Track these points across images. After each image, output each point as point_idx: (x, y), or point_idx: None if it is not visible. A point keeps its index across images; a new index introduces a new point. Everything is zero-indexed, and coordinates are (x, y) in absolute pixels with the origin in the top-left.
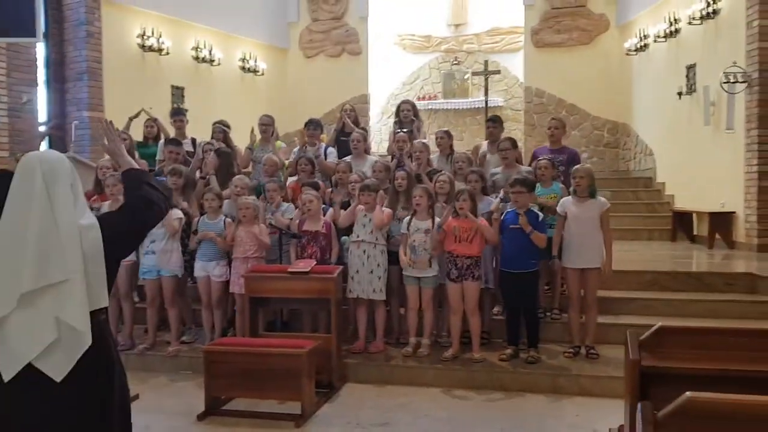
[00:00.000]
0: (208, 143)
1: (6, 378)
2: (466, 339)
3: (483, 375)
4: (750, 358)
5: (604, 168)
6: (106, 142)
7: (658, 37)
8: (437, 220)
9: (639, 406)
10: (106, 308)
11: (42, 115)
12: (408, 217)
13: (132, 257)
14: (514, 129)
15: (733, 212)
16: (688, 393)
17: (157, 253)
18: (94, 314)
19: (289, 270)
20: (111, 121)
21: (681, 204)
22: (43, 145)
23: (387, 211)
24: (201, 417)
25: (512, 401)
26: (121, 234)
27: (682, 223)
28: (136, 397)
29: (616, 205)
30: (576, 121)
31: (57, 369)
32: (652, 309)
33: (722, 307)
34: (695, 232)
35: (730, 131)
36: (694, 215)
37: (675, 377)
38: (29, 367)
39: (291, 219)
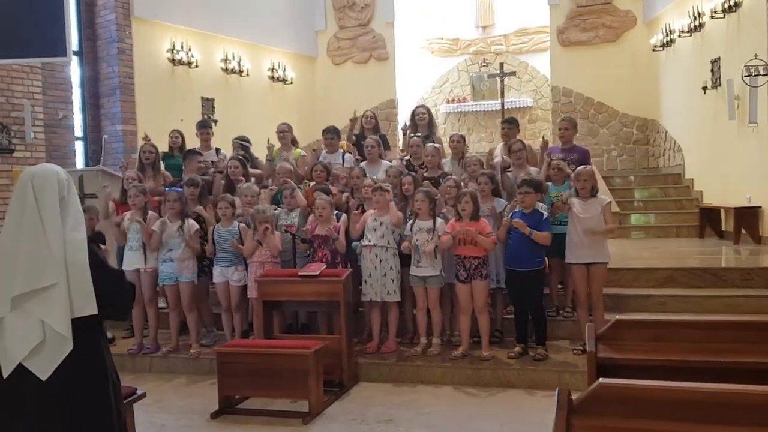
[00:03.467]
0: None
1: (5, 374)
2: (479, 338)
3: (489, 372)
4: (702, 349)
5: (634, 165)
6: None
7: (683, 32)
8: (439, 221)
9: (556, 391)
10: (97, 315)
11: (78, 130)
12: (411, 220)
13: (153, 264)
14: (544, 129)
15: (759, 207)
16: (600, 379)
17: (175, 261)
18: (81, 320)
19: (300, 273)
20: None
21: (710, 200)
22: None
23: (398, 213)
24: (214, 415)
25: (516, 398)
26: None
27: (710, 219)
28: (144, 395)
29: (646, 202)
30: (604, 119)
31: (42, 368)
32: (666, 306)
33: (738, 302)
34: (723, 228)
35: (753, 125)
36: (722, 211)
37: (630, 368)
38: (22, 365)
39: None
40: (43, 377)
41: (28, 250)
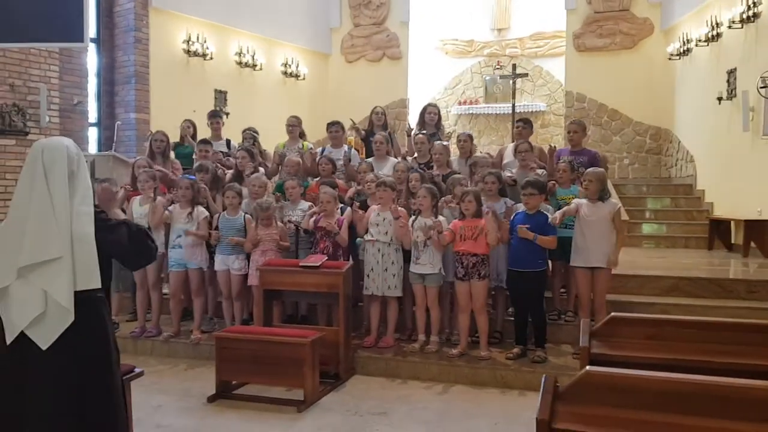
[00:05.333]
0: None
1: (8, 341)
2: (479, 337)
3: (486, 372)
4: (697, 348)
5: (646, 174)
6: None
7: (700, 41)
8: (441, 218)
9: (543, 378)
10: (101, 289)
11: (92, 116)
12: (414, 216)
13: (161, 249)
14: (557, 134)
15: None
16: (588, 367)
17: (184, 248)
18: (85, 293)
19: (301, 264)
20: None
21: (720, 211)
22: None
23: (401, 210)
24: (211, 399)
25: (511, 398)
26: (117, 245)
27: (719, 231)
28: (141, 373)
29: (656, 212)
30: (617, 126)
31: (43, 338)
32: (669, 314)
33: (742, 313)
34: (732, 241)
35: (767, 137)
36: (732, 223)
37: (624, 365)
38: (26, 335)
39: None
40: (44, 346)
41: (35, 223)
